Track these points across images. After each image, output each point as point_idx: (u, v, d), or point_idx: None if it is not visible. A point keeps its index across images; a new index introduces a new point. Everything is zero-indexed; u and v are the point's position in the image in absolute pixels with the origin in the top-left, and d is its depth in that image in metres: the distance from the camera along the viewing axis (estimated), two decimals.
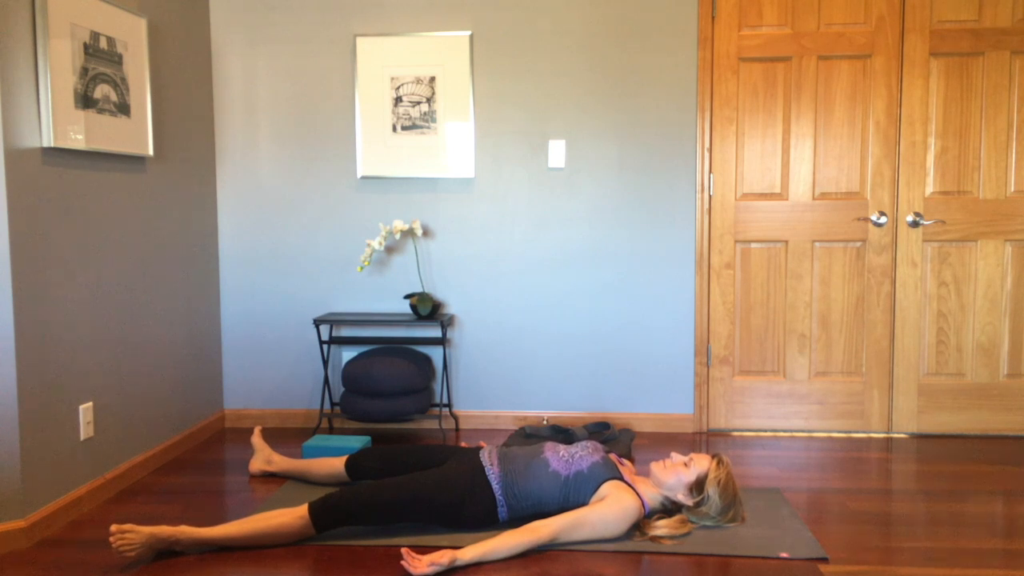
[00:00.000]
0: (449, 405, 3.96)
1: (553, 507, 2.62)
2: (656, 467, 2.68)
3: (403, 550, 2.31)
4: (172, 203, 3.53)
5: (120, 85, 3.07)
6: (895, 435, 3.83)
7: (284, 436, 3.83)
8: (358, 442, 3.39)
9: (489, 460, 2.69)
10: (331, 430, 3.92)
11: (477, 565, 2.38)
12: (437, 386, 3.94)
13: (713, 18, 3.73)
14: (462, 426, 3.96)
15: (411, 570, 2.28)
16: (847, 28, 3.70)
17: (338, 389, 4.00)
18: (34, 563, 2.47)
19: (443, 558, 2.31)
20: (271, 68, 3.89)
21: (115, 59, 3.04)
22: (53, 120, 2.68)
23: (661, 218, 3.83)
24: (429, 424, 3.97)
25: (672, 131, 3.79)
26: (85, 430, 2.91)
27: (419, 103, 3.82)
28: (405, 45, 3.81)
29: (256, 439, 3.28)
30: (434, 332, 3.94)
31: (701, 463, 2.65)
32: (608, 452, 2.78)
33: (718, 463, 2.64)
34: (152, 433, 3.37)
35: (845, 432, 3.86)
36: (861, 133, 3.74)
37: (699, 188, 3.79)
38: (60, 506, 2.76)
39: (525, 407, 3.96)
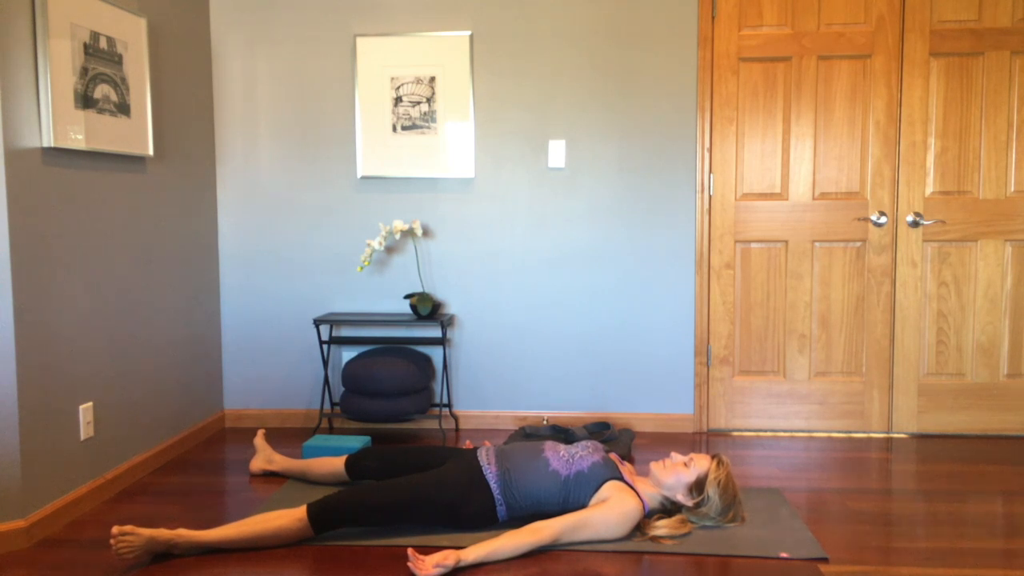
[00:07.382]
0: (449, 405, 3.96)
1: (552, 507, 2.62)
2: (656, 467, 2.67)
3: (408, 551, 2.31)
4: (172, 203, 3.53)
5: (120, 85, 3.07)
6: (895, 435, 3.83)
7: (284, 436, 3.83)
8: (358, 442, 3.39)
9: (487, 460, 2.69)
10: (331, 430, 3.92)
11: (479, 565, 2.38)
12: (437, 386, 3.94)
13: (713, 18, 3.73)
14: (462, 426, 3.96)
15: (416, 571, 2.28)
16: (847, 28, 3.70)
17: (338, 389, 4.00)
18: (34, 563, 2.47)
19: (448, 559, 2.31)
20: (271, 68, 3.89)
21: (115, 59, 3.04)
22: (53, 120, 2.68)
23: (661, 218, 3.83)
24: (429, 424, 3.97)
25: (672, 131, 3.79)
26: (85, 430, 2.91)
27: (419, 103, 3.82)
28: (405, 45, 3.81)
29: (259, 440, 3.29)
30: (434, 332, 3.94)
31: (701, 463, 2.64)
32: (608, 452, 2.77)
33: (718, 463, 2.64)
34: (152, 433, 3.37)
35: (845, 432, 3.86)
36: (861, 133, 3.74)
37: (699, 188, 3.79)
38: (60, 506, 2.75)
39: (525, 407, 3.96)
